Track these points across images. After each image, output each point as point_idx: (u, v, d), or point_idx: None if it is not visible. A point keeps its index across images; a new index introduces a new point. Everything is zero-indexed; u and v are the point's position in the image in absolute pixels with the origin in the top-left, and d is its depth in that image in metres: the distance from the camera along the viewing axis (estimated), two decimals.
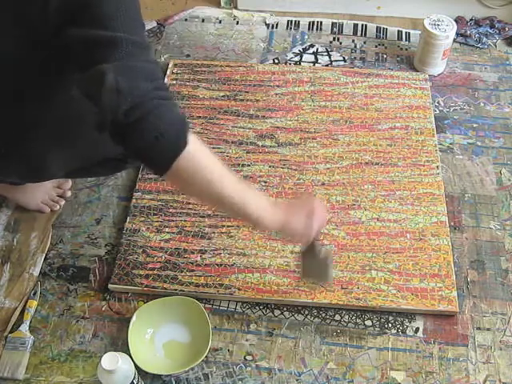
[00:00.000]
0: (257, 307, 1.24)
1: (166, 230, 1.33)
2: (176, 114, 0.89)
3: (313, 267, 1.15)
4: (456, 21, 1.75)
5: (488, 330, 1.20)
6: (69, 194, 1.42)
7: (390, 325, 1.20)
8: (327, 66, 1.72)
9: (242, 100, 1.59)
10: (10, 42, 0.92)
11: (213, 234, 1.32)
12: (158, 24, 1.84)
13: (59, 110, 1.03)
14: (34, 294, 1.26)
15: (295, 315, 1.22)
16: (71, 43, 0.88)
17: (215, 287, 1.24)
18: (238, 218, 1.09)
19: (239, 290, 1.23)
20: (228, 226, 1.33)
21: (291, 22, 1.85)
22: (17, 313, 1.23)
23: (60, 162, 1.13)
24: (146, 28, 1.76)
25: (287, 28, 1.84)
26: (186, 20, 1.86)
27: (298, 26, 1.84)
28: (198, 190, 0.94)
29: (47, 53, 0.94)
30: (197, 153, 0.90)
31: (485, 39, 1.77)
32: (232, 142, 1.49)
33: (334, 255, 1.28)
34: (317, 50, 1.77)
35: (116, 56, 0.85)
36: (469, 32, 1.77)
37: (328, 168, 1.43)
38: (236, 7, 1.91)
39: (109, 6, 0.87)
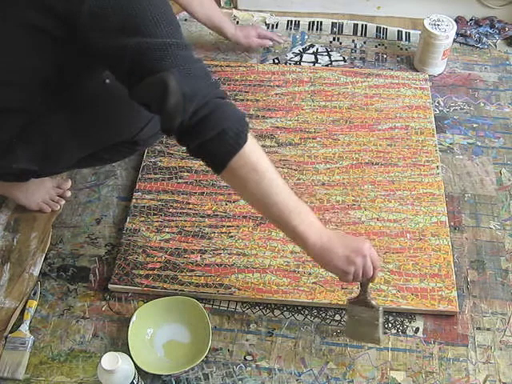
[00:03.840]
0: (257, 307, 1.24)
1: (166, 230, 1.33)
2: (237, 112, 0.95)
3: (358, 323, 1.11)
4: (456, 21, 1.75)
5: (488, 330, 1.20)
6: (68, 194, 1.42)
7: (389, 325, 1.20)
8: (327, 65, 1.72)
9: (242, 100, 1.59)
10: (39, 63, 0.96)
11: (213, 234, 1.32)
12: None
13: (77, 97, 1.07)
14: (34, 293, 1.26)
15: (295, 315, 1.22)
16: (113, 53, 0.90)
17: (215, 287, 1.24)
18: (283, 231, 1.03)
19: (239, 290, 1.23)
20: (228, 226, 1.33)
21: (291, 22, 1.85)
22: (17, 313, 1.23)
23: (74, 148, 1.15)
24: None
25: (287, 28, 1.84)
26: (185, 20, 1.86)
27: (298, 26, 1.84)
28: (249, 191, 0.96)
29: (82, 60, 0.98)
30: (253, 153, 0.94)
31: (485, 39, 1.77)
32: None
33: None
34: (317, 49, 1.77)
35: (170, 62, 0.88)
36: (469, 32, 1.77)
37: (328, 168, 1.43)
38: (236, 7, 1.91)
39: (147, 14, 0.89)
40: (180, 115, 0.89)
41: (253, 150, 0.94)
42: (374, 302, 1.09)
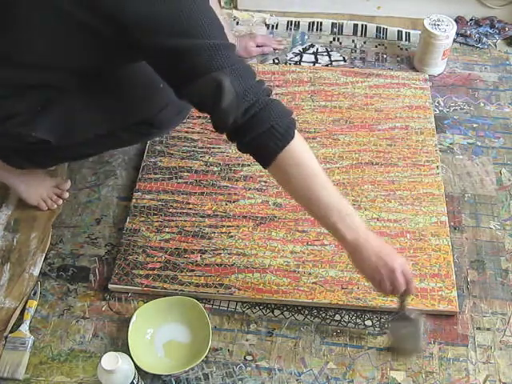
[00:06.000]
0: (257, 307, 1.24)
1: (166, 230, 1.33)
2: (285, 109, 0.99)
3: (401, 339, 1.13)
4: (456, 21, 1.75)
5: (488, 329, 1.20)
6: (66, 195, 1.42)
7: (390, 325, 1.20)
8: (327, 65, 1.72)
9: None
10: (85, 56, 1.02)
11: (213, 234, 1.32)
12: None
13: (104, 77, 1.13)
14: (34, 294, 1.26)
15: (295, 315, 1.22)
16: (159, 54, 0.95)
17: (215, 287, 1.24)
18: (323, 226, 1.06)
19: (239, 290, 1.23)
20: (228, 226, 1.33)
21: (291, 22, 1.85)
22: (17, 313, 1.23)
23: (93, 121, 1.19)
24: None
25: (287, 28, 1.84)
26: None
27: (298, 27, 1.84)
28: (293, 185, 1.01)
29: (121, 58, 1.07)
30: (298, 149, 0.99)
31: (485, 39, 1.77)
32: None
33: (334, 255, 1.28)
34: (317, 50, 1.77)
35: (221, 62, 0.93)
36: (469, 32, 1.77)
37: (328, 168, 1.43)
38: (236, 7, 1.91)
39: (196, 16, 0.92)
40: (234, 113, 0.94)
41: (299, 146, 0.99)
42: (412, 315, 1.11)
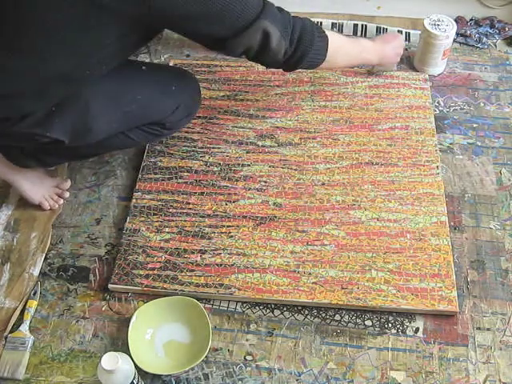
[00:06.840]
0: (257, 307, 1.24)
1: (166, 230, 1.33)
2: (308, 20, 1.22)
3: None
4: (456, 21, 1.75)
5: (488, 329, 1.20)
6: (67, 194, 1.42)
7: (390, 325, 1.20)
8: None
9: (242, 100, 1.59)
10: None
11: (213, 234, 1.32)
12: None
13: (118, 76, 1.16)
14: (34, 293, 1.26)
15: (295, 315, 1.22)
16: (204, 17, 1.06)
17: (215, 287, 1.24)
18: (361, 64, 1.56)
19: (239, 289, 1.23)
20: (228, 226, 1.33)
21: None
22: (17, 313, 1.23)
23: (107, 122, 1.20)
24: None
25: None
26: None
27: None
28: (339, 64, 1.39)
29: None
30: (332, 40, 1.26)
31: (485, 39, 1.77)
32: (232, 142, 1.49)
33: (334, 255, 1.28)
34: None
35: (258, 10, 1.09)
36: (469, 32, 1.77)
37: (328, 168, 1.43)
38: None
39: None
40: (283, 47, 1.16)
41: (331, 39, 1.26)
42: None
